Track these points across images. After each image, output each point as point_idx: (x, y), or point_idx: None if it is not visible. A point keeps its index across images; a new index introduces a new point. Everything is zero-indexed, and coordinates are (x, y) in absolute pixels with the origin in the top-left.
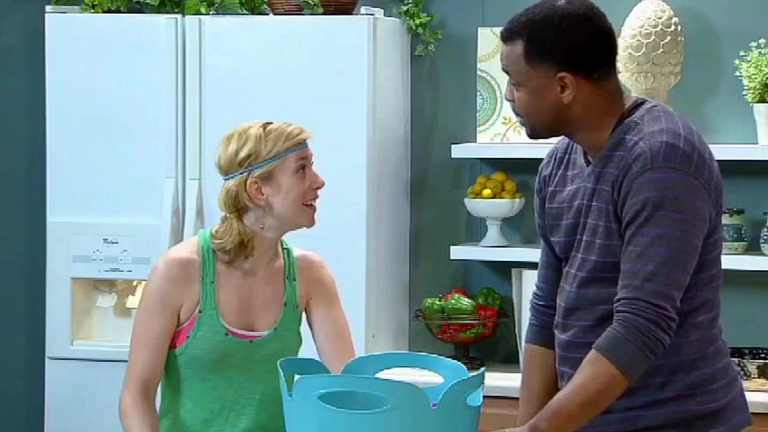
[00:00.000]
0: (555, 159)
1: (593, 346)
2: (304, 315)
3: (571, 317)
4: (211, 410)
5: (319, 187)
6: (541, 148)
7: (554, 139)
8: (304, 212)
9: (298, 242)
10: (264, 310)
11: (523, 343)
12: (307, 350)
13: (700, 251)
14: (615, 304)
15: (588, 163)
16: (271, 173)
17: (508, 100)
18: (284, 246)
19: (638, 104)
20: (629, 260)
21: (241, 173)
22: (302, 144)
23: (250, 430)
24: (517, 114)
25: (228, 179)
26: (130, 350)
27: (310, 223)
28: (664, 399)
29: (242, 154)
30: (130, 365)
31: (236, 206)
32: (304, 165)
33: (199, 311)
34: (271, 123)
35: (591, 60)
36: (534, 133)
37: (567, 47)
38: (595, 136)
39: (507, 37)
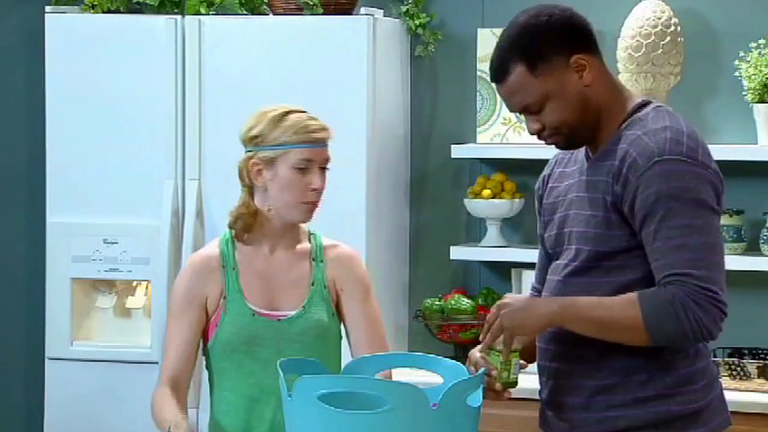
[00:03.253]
0: (556, 160)
1: (640, 291)
2: (334, 304)
3: None
4: (250, 397)
5: (315, 190)
6: (541, 149)
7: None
8: (298, 208)
9: None
10: (289, 290)
11: None
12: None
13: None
14: (663, 281)
15: (588, 158)
16: (273, 160)
17: (536, 132)
18: (310, 232)
19: (644, 104)
20: (663, 255)
21: (248, 150)
22: (313, 142)
23: None
24: (548, 137)
25: (245, 152)
26: (163, 347)
27: (303, 219)
28: (644, 398)
29: (252, 132)
30: (162, 364)
31: (244, 181)
32: (306, 164)
33: (224, 297)
34: (298, 112)
35: (584, 33)
36: (570, 143)
37: (560, 34)
38: (607, 125)
39: (502, 73)
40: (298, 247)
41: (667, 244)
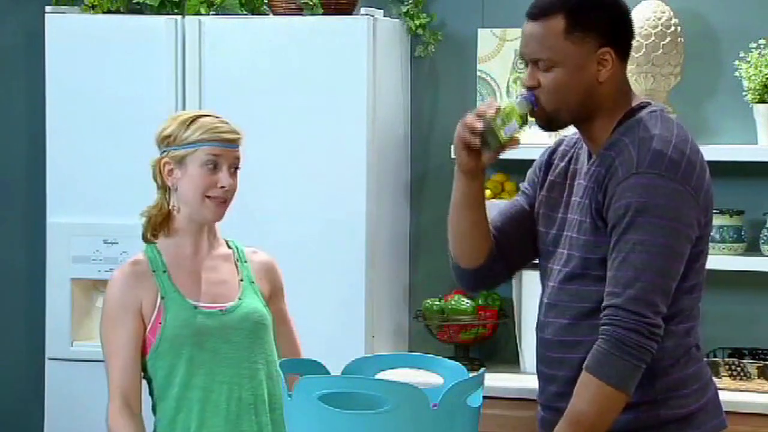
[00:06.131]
0: (559, 150)
1: (583, 366)
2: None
3: (550, 314)
4: (204, 388)
5: (223, 188)
6: (541, 150)
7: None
8: (206, 205)
9: (295, 241)
10: (222, 285)
11: (523, 344)
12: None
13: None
14: (600, 314)
15: (588, 160)
16: (183, 159)
17: (530, 87)
18: (226, 239)
19: (642, 106)
20: (612, 267)
21: (161, 152)
22: (221, 141)
23: (251, 404)
24: (534, 102)
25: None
26: (105, 365)
27: (213, 217)
28: (635, 404)
29: (165, 133)
30: (109, 379)
31: (157, 182)
32: (216, 162)
33: (162, 298)
34: (209, 116)
35: (626, 36)
36: (554, 122)
37: (611, 20)
38: (603, 126)
39: (541, 13)
40: (218, 251)
41: (618, 257)
